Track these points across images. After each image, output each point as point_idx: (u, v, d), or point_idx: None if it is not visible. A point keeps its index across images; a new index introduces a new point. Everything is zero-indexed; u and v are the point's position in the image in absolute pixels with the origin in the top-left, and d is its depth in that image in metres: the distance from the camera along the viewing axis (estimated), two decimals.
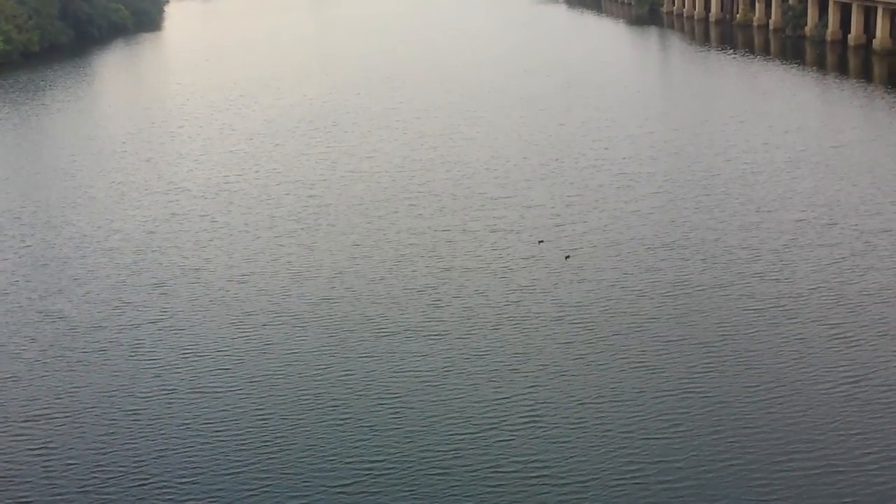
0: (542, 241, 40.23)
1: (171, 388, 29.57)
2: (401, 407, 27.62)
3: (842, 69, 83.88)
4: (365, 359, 30.74)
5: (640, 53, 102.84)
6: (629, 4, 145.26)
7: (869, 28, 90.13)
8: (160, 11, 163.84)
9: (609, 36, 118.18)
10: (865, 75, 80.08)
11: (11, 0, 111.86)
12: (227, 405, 28.33)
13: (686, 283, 35.09)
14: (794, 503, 22.33)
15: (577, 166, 52.44)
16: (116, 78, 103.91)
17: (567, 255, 38.40)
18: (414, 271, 38.05)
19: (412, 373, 29.63)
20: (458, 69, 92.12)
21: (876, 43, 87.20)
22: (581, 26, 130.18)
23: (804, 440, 24.73)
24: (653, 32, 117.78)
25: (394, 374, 29.59)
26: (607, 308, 33.41)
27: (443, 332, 32.34)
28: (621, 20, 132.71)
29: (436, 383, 28.90)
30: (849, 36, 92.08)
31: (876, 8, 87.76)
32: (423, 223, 44.10)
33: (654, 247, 39.02)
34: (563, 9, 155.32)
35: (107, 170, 57.64)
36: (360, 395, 28.46)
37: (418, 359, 30.51)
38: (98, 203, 50.35)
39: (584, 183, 49.01)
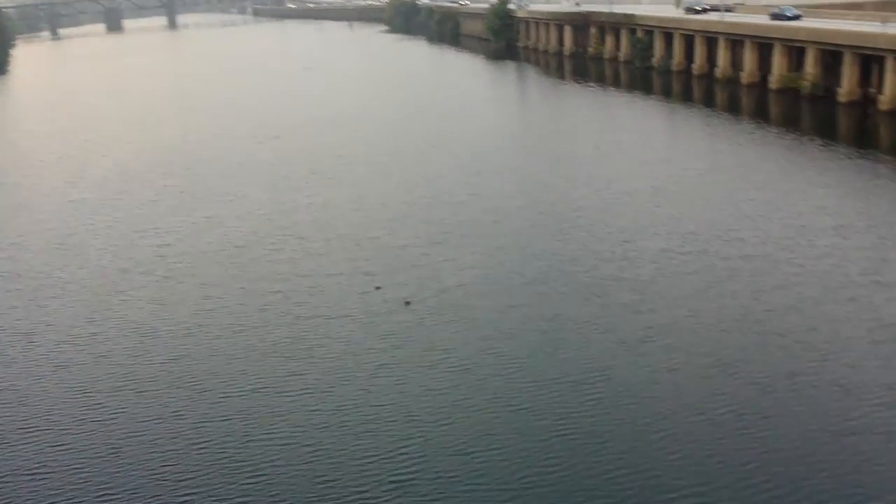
0: (378, 288, 37.87)
1: None
2: (252, 472, 24.83)
3: (687, 97, 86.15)
4: (219, 421, 27.76)
5: (500, 88, 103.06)
6: (486, 40, 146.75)
7: (711, 58, 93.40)
8: (5, 54, 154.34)
9: (469, 71, 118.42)
10: (709, 102, 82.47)
11: None
12: (66, 483, 24.81)
13: (555, 317, 33.66)
14: None
15: (445, 203, 50.83)
16: None
17: (407, 300, 36.22)
18: (273, 323, 35.20)
19: (269, 434, 26.85)
20: (320, 109, 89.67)
21: (718, 72, 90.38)
22: (443, 62, 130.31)
23: (673, 472, 23.44)
24: (511, 67, 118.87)
25: (248, 436, 26.74)
26: (477, 348, 31.52)
27: (304, 388, 29.68)
28: (480, 55, 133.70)
29: (293, 441, 26.25)
30: (693, 66, 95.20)
31: (717, 39, 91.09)
32: (285, 269, 41.31)
33: (525, 282, 37.54)
34: (424, 45, 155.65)
35: None
36: (215, 460, 25.52)
37: (275, 417, 27.77)
38: None
39: (453, 220, 47.38)
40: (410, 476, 24.33)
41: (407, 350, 31.92)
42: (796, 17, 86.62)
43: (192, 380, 30.73)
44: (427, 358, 31.17)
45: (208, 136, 76.50)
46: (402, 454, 25.39)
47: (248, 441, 26.58)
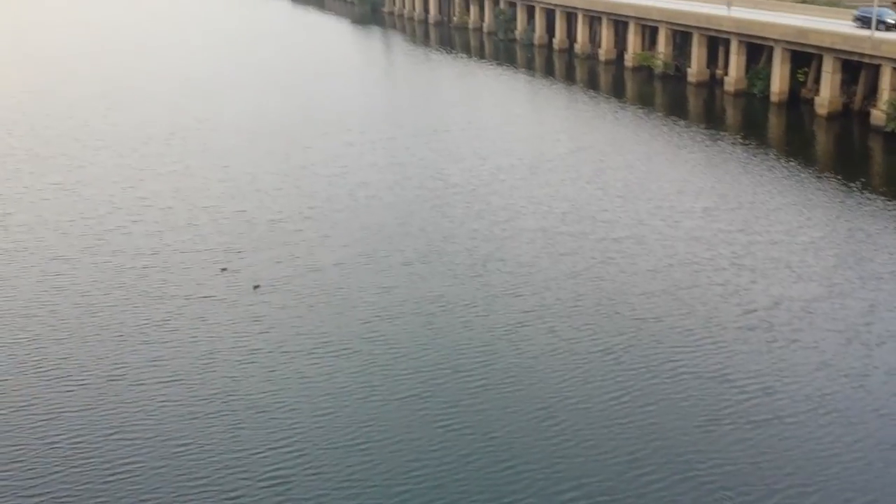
0: (224, 269, 34.68)
1: None
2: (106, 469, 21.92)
3: (549, 71, 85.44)
4: (55, 406, 24.51)
5: (368, 55, 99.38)
6: (352, 3, 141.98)
7: (571, 33, 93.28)
8: None
9: (336, 36, 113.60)
10: (570, 77, 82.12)
11: None
12: None
13: (435, 299, 31.81)
14: None
15: (316, 175, 47.87)
16: None
17: (256, 284, 33.25)
18: (126, 303, 31.76)
19: (114, 426, 23.88)
20: (174, 71, 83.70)
21: (577, 48, 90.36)
22: (307, 25, 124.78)
23: (553, 461, 22.24)
24: (377, 32, 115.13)
25: (84, 426, 23.69)
26: (351, 332, 29.30)
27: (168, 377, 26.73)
28: (345, 19, 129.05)
29: (142, 435, 23.41)
30: (554, 40, 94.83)
31: (576, 15, 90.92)
32: (142, 243, 37.57)
33: (401, 262, 35.45)
34: (286, 4, 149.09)
35: None
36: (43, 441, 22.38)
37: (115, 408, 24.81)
38: None
39: (324, 193, 44.57)
40: (288, 473, 22.01)
41: (275, 334, 29.30)
42: None
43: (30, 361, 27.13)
44: (297, 344, 28.71)
45: (54, 96, 69.78)
46: (274, 449, 22.99)
47: (85, 432, 23.53)
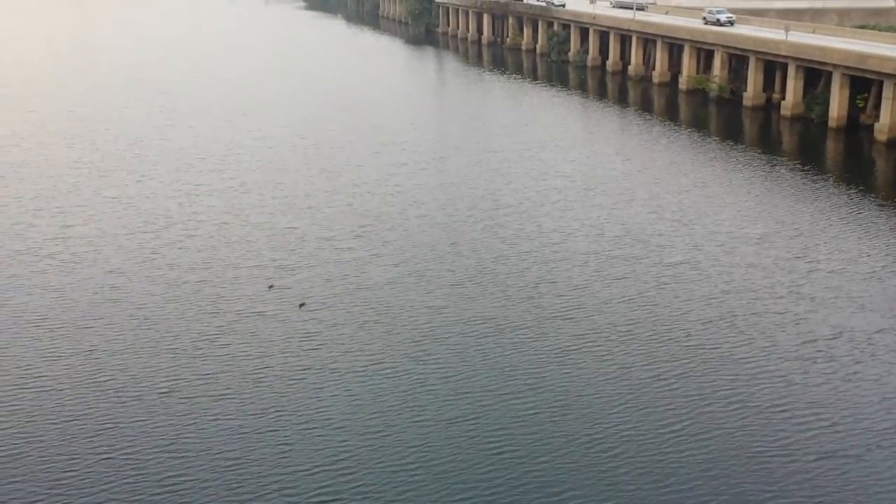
0: (272, 287, 34.55)
1: None
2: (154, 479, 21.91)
3: (602, 93, 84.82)
4: (98, 417, 24.63)
5: (422, 76, 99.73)
6: (406, 24, 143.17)
7: (625, 55, 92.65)
8: None
9: (390, 56, 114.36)
10: (623, 100, 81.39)
11: None
12: None
13: (481, 319, 31.44)
14: None
15: (369, 194, 47.97)
16: None
17: (302, 302, 33.15)
18: (182, 317, 31.99)
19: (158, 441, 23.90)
20: (231, 89, 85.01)
21: (631, 70, 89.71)
22: (362, 45, 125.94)
23: (606, 491, 21.69)
24: (430, 53, 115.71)
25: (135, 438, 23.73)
26: (397, 353, 29.06)
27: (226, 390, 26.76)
28: (399, 39, 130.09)
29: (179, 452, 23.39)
30: (607, 62, 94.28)
31: (630, 37, 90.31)
32: (197, 258, 37.91)
33: (452, 282, 35.19)
34: (342, 24, 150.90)
35: None
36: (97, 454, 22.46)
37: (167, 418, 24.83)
38: None
39: (376, 212, 44.59)
40: (336, 492, 21.79)
41: (325, 353, 29.19)
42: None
43: (85, 373, 27.35)
44: (333, 364, 28.56)
45: (113, 111, 71.31)
46: (323, 468, 22.80)
47: (138, 445, 23.55)
